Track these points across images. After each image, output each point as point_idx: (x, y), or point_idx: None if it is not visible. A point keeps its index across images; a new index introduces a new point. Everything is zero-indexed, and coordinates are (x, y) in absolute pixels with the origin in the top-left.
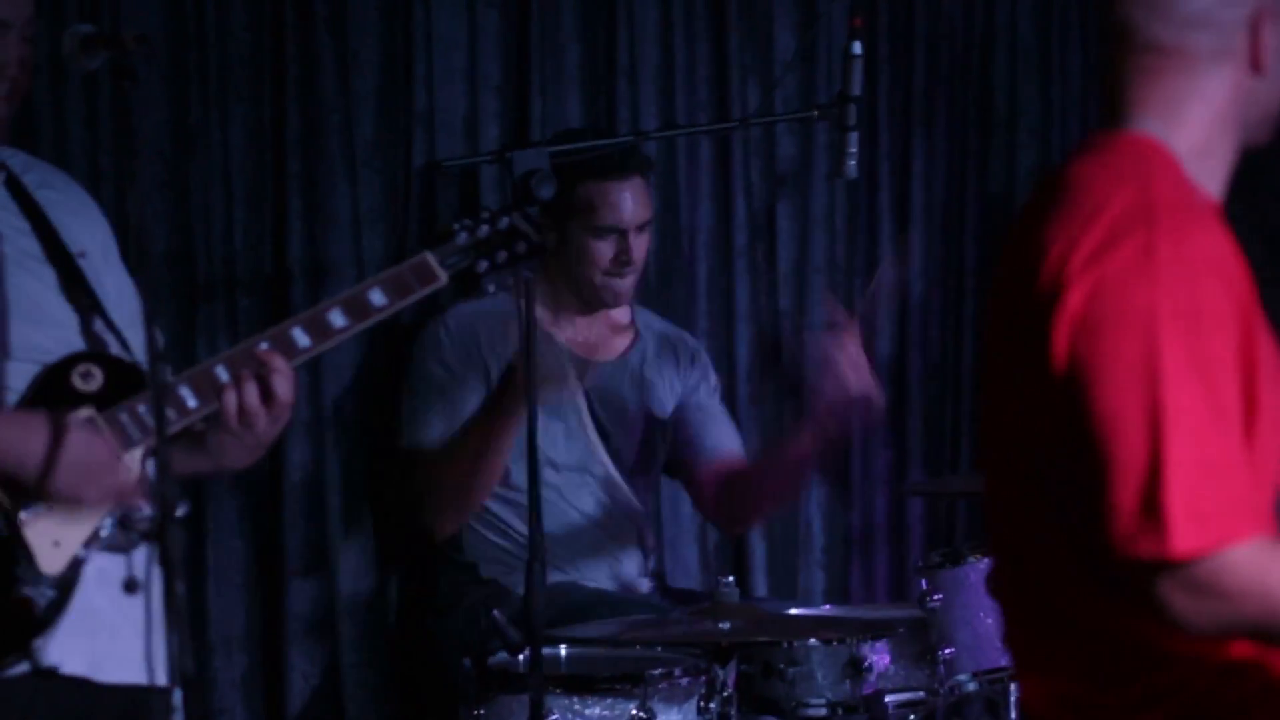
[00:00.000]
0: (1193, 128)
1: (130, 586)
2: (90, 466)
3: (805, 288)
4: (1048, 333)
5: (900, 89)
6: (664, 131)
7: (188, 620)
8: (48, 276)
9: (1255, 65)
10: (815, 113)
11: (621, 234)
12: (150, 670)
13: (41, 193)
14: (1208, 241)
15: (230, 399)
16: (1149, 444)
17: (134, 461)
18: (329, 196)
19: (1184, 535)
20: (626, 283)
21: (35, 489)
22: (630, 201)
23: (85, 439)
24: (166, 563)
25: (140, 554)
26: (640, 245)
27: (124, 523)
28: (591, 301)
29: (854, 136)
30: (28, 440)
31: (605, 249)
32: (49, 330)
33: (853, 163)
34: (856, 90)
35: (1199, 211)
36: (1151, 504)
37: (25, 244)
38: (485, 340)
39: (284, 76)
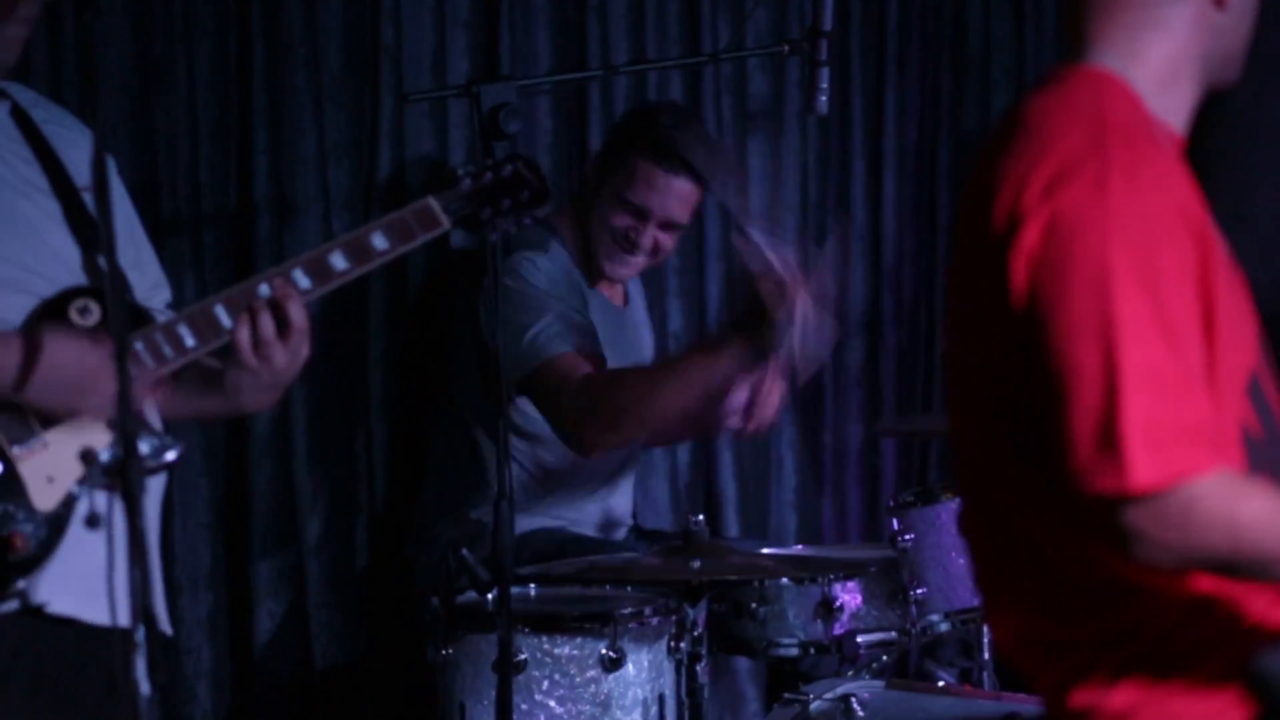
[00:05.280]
0: (1153, 61)
1: (92, 522)
2: (83, 375)
3: (777, 225)
4: (1006, 269)
5: (873, 26)
6: (634, 65)
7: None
8: (51, 208)
9: None
10: (786, 47)
11: (643, 217)
12: (114, 609)
13: (48, 128)
14: (1161, 171)
15: (244, 332)
16: (1105, 378)
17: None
18: (295, 131)
19: (1142, 468)
20: (628, 264)
21: (22, 401)
22: (669, 195)
23: (74, 347)
24: (128, 498)
25: (102, 490)
26: (660, 241)
27: (86, 457)
28: (594, 268)
29: (825, 72)
30: (6, 354)
31: (621, 219)
32: (49, 261)
33: (824, 98)
34: (828, 25)
35: (1156, 143)
36: (1109, 438)
37: (29, 173)
38: (566, 283)
39: (250, 10)
